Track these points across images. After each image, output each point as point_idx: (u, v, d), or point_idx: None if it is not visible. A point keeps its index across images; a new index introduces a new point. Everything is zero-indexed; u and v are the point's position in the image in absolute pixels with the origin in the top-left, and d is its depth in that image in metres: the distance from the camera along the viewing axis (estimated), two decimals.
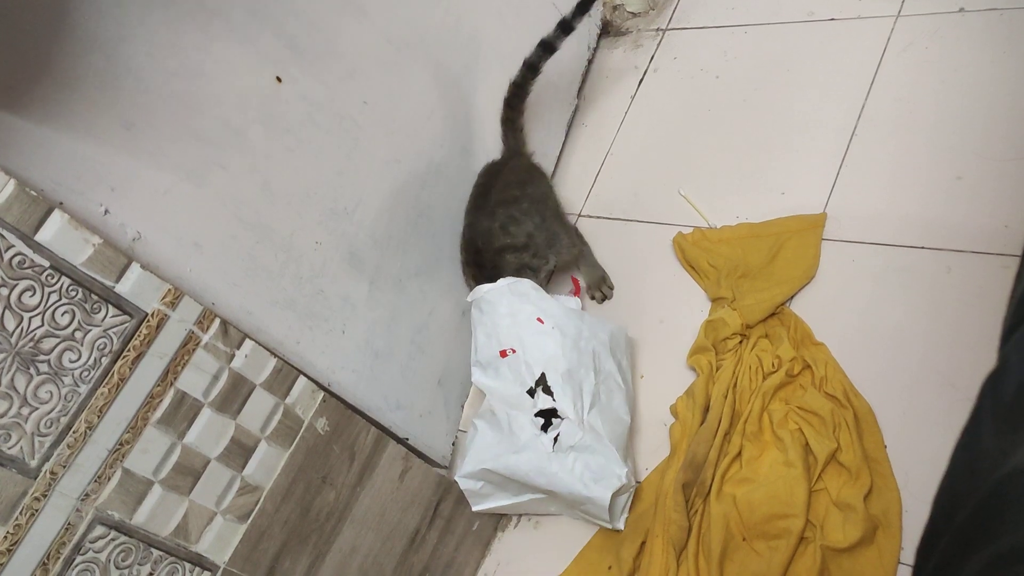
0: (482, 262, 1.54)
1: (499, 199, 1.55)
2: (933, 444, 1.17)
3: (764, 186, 1.60)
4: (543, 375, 1.38)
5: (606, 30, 2.03)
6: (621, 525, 1.37)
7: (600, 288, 1.67)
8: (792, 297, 1.46)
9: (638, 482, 1.42)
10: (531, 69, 1.62)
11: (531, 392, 1.38)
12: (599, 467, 1.33)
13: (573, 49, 1.91)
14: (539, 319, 1.42)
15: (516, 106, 1.65)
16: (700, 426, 1.39)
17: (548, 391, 1.37)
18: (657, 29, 1.97)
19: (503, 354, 1.42)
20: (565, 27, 1.61)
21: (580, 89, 1.95)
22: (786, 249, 1.48)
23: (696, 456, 1.34)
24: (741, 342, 1.45)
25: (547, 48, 1.61)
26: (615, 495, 1.33)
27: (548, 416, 1.36)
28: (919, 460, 1.23)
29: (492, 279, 1.48)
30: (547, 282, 1.62)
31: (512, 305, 1.44)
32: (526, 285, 1.47)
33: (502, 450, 1.37)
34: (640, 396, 1.51)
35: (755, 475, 1.31)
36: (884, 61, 1.59)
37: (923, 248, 1.37)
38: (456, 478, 1.44)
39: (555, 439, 1.35)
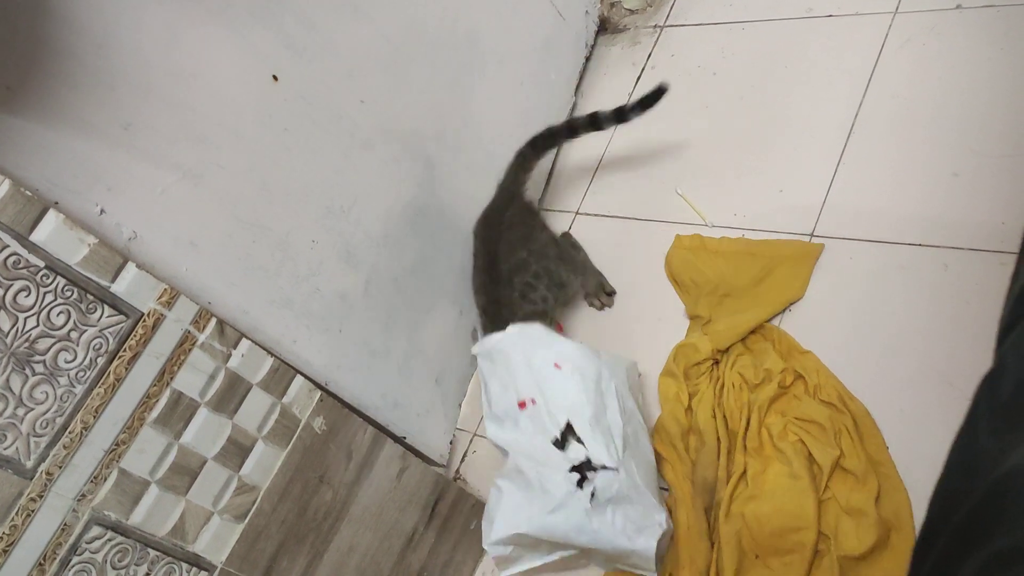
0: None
1: (511, 267, 1.51)
2: (934, 443, 1.16)
3: (762, 184, 1.59)
4: (569, 424, 1.31)
5: (603, 27, 2.02)
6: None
7: (598, 296, 1.64)
8: (769, 320, 1.44)
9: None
10: (572, 131, 1.63)
11: (558, 443, 1.30)
12: (639, 516, 1.27)
13: (571, 46, 1.90)
14: (556, 364, 1.36)
15: (540, 149, 1.62)
16: (683, 451, 1.39)
17: (578, 439, 1.30)
18: (655, 26, 1.97)
19: (522, 405, 1.35)
20: (619, 114, 1.59)
21: (578, 86, 1.94)
22: (775, 274, 1.47)
23: (706, 480, 1.34)
24: (715, 365, 1.45)
25: (595, 124, 1.61)
26: (660, 539, 1.27)
27: (583, 470, 1.29)
28: (920, 459, 1.23)
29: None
30: None
31: (526, 352, 1.38)
32: (537, 329, 1.42)
33: (535, 511, 1.28)
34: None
35: (761, 491, 1.30)
36: (882, 58, 1.58)
37: (920, 245, 1.37)
38: (485, 546, 1.34)
39: (592, 493, 1.26)
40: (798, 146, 1.59)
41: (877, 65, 1.58)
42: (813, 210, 1.50)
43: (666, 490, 1.41)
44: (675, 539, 1.33)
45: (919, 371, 1.28)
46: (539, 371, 1.35)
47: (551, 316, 1.54)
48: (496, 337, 1.42)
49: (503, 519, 1.30)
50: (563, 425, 1.31)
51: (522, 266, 1.51)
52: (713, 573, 1.29)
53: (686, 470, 1.38)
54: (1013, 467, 0.48)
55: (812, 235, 1.48)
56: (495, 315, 1.51)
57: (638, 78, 1.90)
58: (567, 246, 1.66)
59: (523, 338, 1.40)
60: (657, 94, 1.54)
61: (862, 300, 1.39)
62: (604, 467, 1.28)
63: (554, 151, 1.63)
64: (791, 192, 1.55)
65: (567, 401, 1.32)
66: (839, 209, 1.48)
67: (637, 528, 1.26)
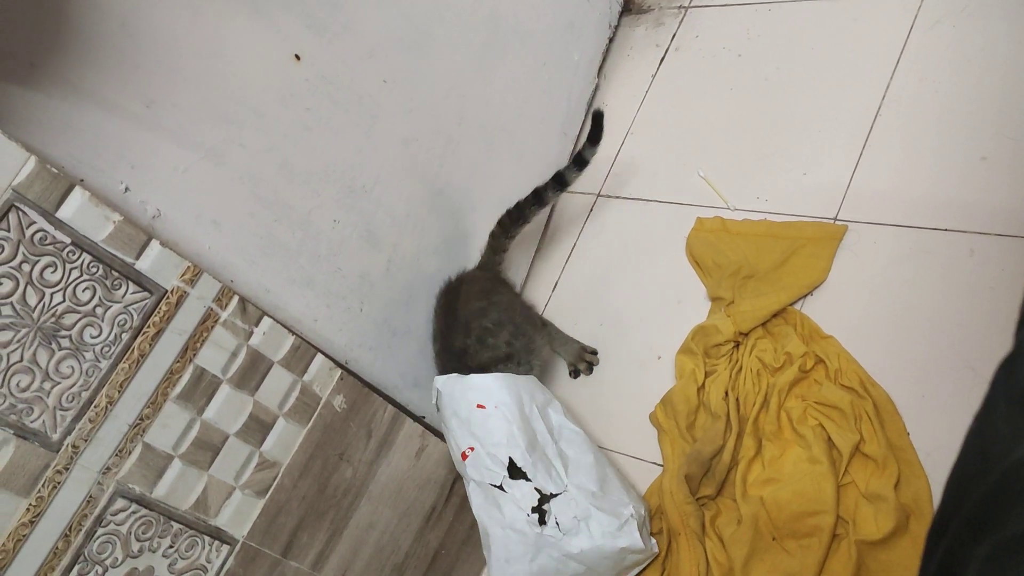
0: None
1: (469, 312, 1.45)
2: (955, 429, 1.16)
3: (786, 167, 1.58)
4: (511, 460, 1.30)
5: (628, 8, 2.01)
6: (656, 547, 1.33)
7: (583, 359, 1.60)
8: (792, 303, 1.43)
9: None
10: (538, 197, 1.53)
11: (501, 487, 1.29)
12: (610, 519, 1.29)
13: (594, 27, 1.89)
14: (480, 405, 1.34)
15: (509, 230, 1.55)
16: (684, 430, 1.40)
17: (521, 475, 1.29)
18: (679, 7, 1.95)
19: (464, 456, 1.33)
20: (579, 161, 1.52)
21: (601, 67, 1.93)
22: (798, 256, 1.46)
23: (702, 453, 1.34)
24: (737, 347, 1.44)
25: (560, 182, 1.52)
26: (640, 528, 1.30)
27: (539, 507, 1.28)
28: (941, 445, 1.22)
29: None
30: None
31: (452, 404, 1.36)
32: (454, 379, 1.38)
33: (521, 567, 1.29)
34: (659, 377, 1.51)
35: (779, 474, 1.30)
36: (911, 39, 1.56)
37: (946, 230, 1.35)
38: None
39: (557, 524, 1.27)
40: (823, 129, 1.57)
41: (905, 47, 1.56)
42: (837, 194, 1.49)
43: (660, 465, 1.43)
44: (661, 507, 1.34)
45: (942, 357, 1.27)
46: (467, 418, 1.34)
47: (519, 360, 1.47)
48: (433, 401, 1.40)
49: None
50: (506, 464, 1.29)
51: (481, 313, 1.45)
52: (715, 539, 1.30)
53: (683, 446, 1.38)
54: None
55: (836, 219, 1.47)
56: (445, 362, 1.46)
57: (661, 59, 1.89)
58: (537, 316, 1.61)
59: (446, 390, 1.38)
60: (598, 121, 1.48)
61: (885, 285, 1.37)
62: (553, 494, 1.29)
63: (527, 225, 1.57)
64: (815, 175, 1.54)
65: (500, 438, 1.31)
66: (863, 193, 1.47)
67: (615, 526, 1.28)
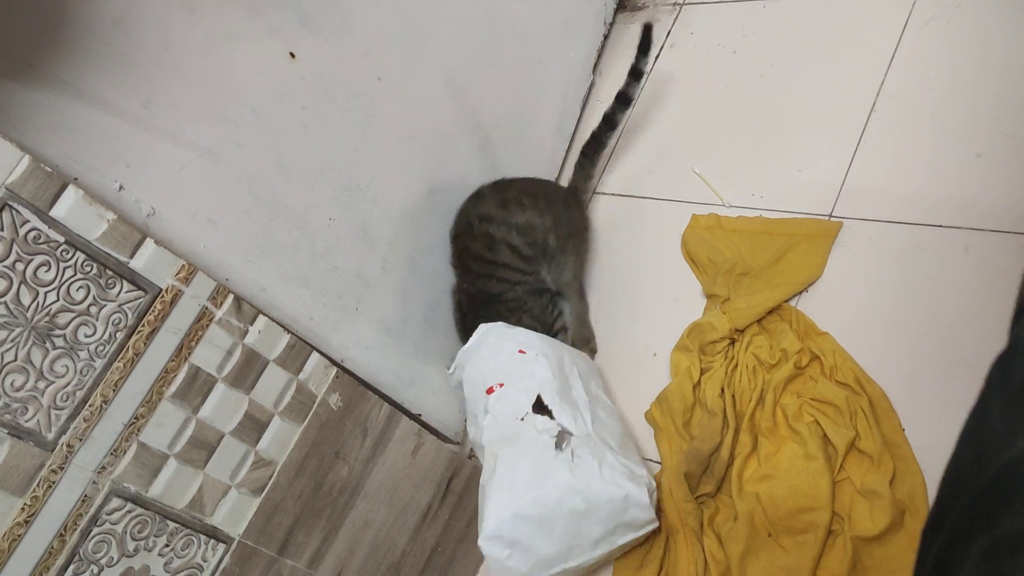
0: (462, 246, 1.53)
1: (518, 188, 1.52)
2: (951, 425, 1.16)
3: (781, 163, 1.58)
4: (539, 397, 1.34)
5: (623, 5, 2.00)
6: (657, 522, 1.31)
7: (580, 347, 1.61)
8: (787, 300, 1.43)
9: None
10: (608, 122, 1.63)
11: (526, 416, 1.32)
12: (623, 467, 1.28)
13: (590, 24, 1.89)
14: (521, 351, 1.40)
15: (590, 155, 1.66)
16: (681, 427, 1.40)
17: (547, 411, 1.33)
18: (674, 4, 1.95)
19: (490, 391, 1.36)
20: (635, 73, 1.60)
21: (596, 64, 1.93)
22: (794, 252, 1.46)
23: (700, 451, 1.34)
24: (732, 344, 1.44)
25: (623, 100, 1.61)
26: (648, 492, 1.28)
27: (560, 435, 1.31)
28: (937, 442, 1.22)
29: (467, 267, 1.47)
30: (553, 313, 1.61)
31: (492, 346, 1.42)
32: (500, 326, 1.46)
33: (523, 489, 1.26)
34: (654, 374, 1.51)
35: (775, 471, 1.30)
36: (905, 36, 1.56)
37: (940, 226, 1.36)
38: (479, 543, 1.26)
39: (572, 453, 1.28)
40: (818, 125, 1.58)
41: (900, 43, 1.56)
42: (832, 190, 1.49)
43: (658, 463, 1.42)
44: (660, 505, 1.34)
45: (938, 353, 1.27)
46: (506, 359, 1.39)
47: (533, 242, 1.52)
48: (465, 347, 1.46)
49: (494, 509, 1.26)
50: (533, 400, 1.33)
51: (529, 193, 1.52)
52: (712, 537, 1.30)
53: (680, 443, 1.38)
54: (1023, 450, 0.48)
55: (831, 216, 1.47)
56: (456, 225, 1.54)
57: (656, 56, 1.89)
58: (580, 284, 1.66)
59: (489, 334, 1.44)
60: (647, 32, 1.57)
61: (880, 281, 1.38)
62: (575, 435, 1.31)
63: (604, 148, 1.68)
64: (810, 172, 1.54)
65: (535, 380, 1.35)
66: (858, 190, 1.47)
67: (625, 476, 1.27)
